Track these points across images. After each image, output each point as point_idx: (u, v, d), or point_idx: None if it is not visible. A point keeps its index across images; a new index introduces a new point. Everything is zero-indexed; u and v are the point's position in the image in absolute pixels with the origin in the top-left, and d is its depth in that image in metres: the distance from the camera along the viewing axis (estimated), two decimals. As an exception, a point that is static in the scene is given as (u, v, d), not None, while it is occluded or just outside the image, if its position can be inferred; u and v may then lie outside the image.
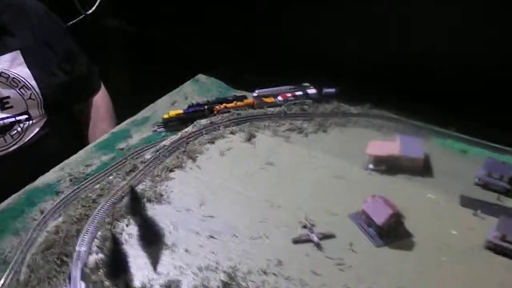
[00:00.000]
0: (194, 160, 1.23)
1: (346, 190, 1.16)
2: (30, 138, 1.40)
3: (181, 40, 1.85)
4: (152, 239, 1.02)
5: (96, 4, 1.81)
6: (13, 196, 1.20)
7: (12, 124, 1.37)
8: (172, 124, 1.41)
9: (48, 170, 1.28)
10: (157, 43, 1.94)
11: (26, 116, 1.39)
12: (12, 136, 1.36)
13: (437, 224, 1.06)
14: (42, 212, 1.14)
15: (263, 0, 1.68)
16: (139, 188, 1.14)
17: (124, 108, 1.74)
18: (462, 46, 1.40)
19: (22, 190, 1.21)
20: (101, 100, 1.67)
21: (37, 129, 1.41)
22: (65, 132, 1.51)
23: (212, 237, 1.03)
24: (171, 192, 1.14)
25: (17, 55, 1.38)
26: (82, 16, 1.82)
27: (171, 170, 1.19)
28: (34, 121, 1.39)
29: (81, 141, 1.61)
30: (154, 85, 1.77)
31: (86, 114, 1.65)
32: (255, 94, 1.51)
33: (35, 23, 1.44)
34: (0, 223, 1.12)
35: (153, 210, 1.09)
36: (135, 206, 1.08)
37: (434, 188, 1.17)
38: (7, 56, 1.36)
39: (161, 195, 1.12)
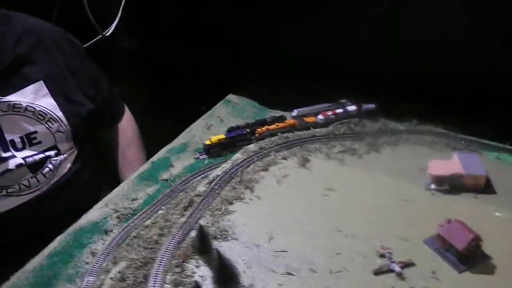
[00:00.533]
0: (252, 190, 1.17)
1: (413, 213, 1.12)
2: (63, 175, 1.32)
3: (202, 59, 1.78)
4: (227, 280, 0.96)
5: (114, 24, 1.73)
6: (59, 238, 1.12)
7: (42, 161, 1.29)
8: (214, 150, 1.34)
9: (86, 205, 1.22)
10: (173, 62, 1.88)
11: (55, 151, 1.31)
12: (44, 175, 1.28)
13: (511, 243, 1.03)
14: (93, 254, 1.07)
15: (289, 15, 1.64)
16: (199, 224, 1.06)
17: (146, 130, 1.67)
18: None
19: (68, 231, 1.14)
20: (126, 124, 1.61)
21: (69, 164, 1.34)
22: (97, 162, 1.43)
23: (289, 273, 0.98)
24: (235, 227, 1.08)
25: (40, 86, 1.29)
26: (99, 37, 1.73)
27: (231, 203, 1.13)
28: (64, 155, 1.32)
29: (113, 169, 1.53)
30: (175, 106, 1.71)
31: (113, 139, 1.57)
32: (294, 114, 1.46)
33: (55, 49, 1.34)
34: (51, 269, 1.05)
35: (221, 248, 1.02)
36: (204, 245, 1.01)
37: (499, 205, 1.13)
38: (30, 88, 1.27)
39: (226, 231, 1.06)
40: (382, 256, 1.01)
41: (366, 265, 0.99)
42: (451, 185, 1.19)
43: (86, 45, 1.69)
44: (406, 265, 0.99)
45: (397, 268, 0.98)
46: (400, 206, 1.14)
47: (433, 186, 1.19)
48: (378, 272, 0.98)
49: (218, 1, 1.73)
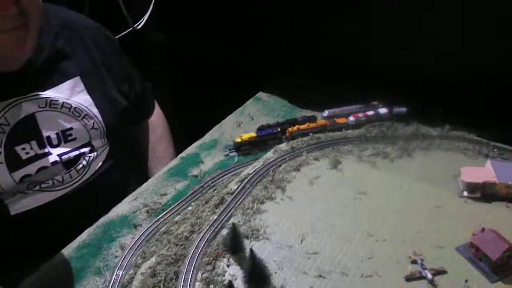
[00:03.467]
0: (283, 190, 1.16)
1: (446, 219, 1.11)
2: (96, 171, 1.32)
3: (234, 53, 1.78)
4: (259, 281, 0.95)
5: (146, 17, 1.73)
6: (88, 230, 1.13)
7: (77, 158, 1.29)
8: (245, 148, 1.33)
9: (117, 200, 1.22)
10: (205, 56, 1.87)
11: (89, 148, 1.31)
12: (78, 171, 1.28)
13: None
14: (122, 248, 1.07)
15: (323, 16, 1.63)
16: (231, 222, 1.07)
17: (176, 125, 1.67)
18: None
19: (97, 224, 1.15)
20: (156, 119, 1.60)
21: (102, 161, 1.34)
22: (127, 158, 1.43)
23: (321, 276, 0.97)
24: (266, 226, 1.07)
25: (77, 82, 1.27)
26: (130, 30, 1.73)
27: (262, 202, 1.13)
28: (98, 152, 1.32)
29: (142, 165, 1.52)
30: (206, 101, 1.70)
31: (143, 135, 1.57)
32: (325, 114, 1.46)
33: (91, 45, 1.33)
34: (79, 261, 1.05)
35: (252, 247, 1.02)
36: (235, 244, 1.00)
37: (533, 215, 1.09)
38: (66, 84, 1.25)
39: (258, 230, 1.06)
40: (414, 262, 1.00)
41: (398, 271, 0.98)
42: (483, 193, 1.17)
43: (117, 37, 1.68)
44: (438, 272, 0.98)
45: (429, 275, 0.97)
46: (433, 212, 1.13)
47: (465, 193, 1.18)
48: (410, 278, 0.98)
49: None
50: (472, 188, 1.18)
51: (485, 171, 1.20)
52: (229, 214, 1.09)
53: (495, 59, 1.39)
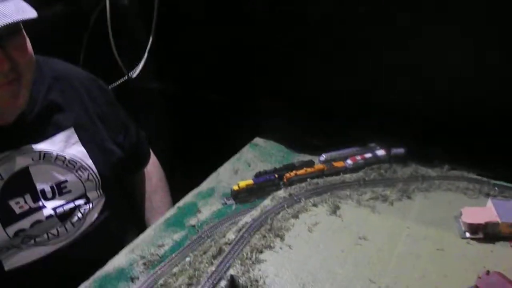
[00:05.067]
0: (282, 238, 1.14)
1: (450, 262, 1.09)
2: (91, 223, 1.30)
3: (230, 101, 1.78)
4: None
5: (141, 66, 1.73)
6: (84, 284, 1.10)
7: (72, 211, 1.27)
8: (242, 196, 1.32)
9: (113, 251, 1.19)
10: (199, 104, 1.87)
11: (84, 200, 1.29)
12: (73, 224, 1.26)
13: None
14: (119, 303, 1.03)
15: (314, 55, 1.63)
16: (230, 273, 1.04)
17: (172, 174, 1.65)
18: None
19: (93, 277, 1.12)
20: (152, 168, 1.59)
21: (97, 212, 1.32)
22: (123, 209, 1.41)
23: (324, 328, 0.92)
24: (266, 277, 1.05)
25: (71, 133, 1.26)
26: (125, 78, 1.73)
27: (261, 251, 1.11)
28: (93, 204, 1.30)
29: (138, 215, 1.50)
30: (202, 148, 1.70)
31: (139, 185, 1.56)
32: (322, 159, 1.45)
33: (85, 97, 1.32)
34: (75, 319, 1.01)
35: (252, 300, 0.98)
36: (235, 296, 0.97)
37: (538, 255, 1.07)
38: (60, 136, 1.24)
39: (257, 281, 1.03)
40: (419, 310, 0.95)
41: (403, 319, 0.93)
42: (486, 234, 1.15)
43: (112, 86, 1.68)
44: (445, 319, 0.94)
45: (435, 323, 0.93)
46: (435, 256, 1.11)
47: (467, 234, 1.16)
48: (416, 327, 0.93)
49: (243, 45, 1.72)
50: (474, 229, 1.16)
51: (486, 211, 1.18)
52: (227, 265, 1.06)
53: (494, 92, 1.38)
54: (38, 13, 1.06)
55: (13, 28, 1.05)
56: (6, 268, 1.18)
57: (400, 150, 1.45)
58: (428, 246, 1.13)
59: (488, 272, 0.99)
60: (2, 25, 0.98)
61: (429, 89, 1.47)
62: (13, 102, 1.12)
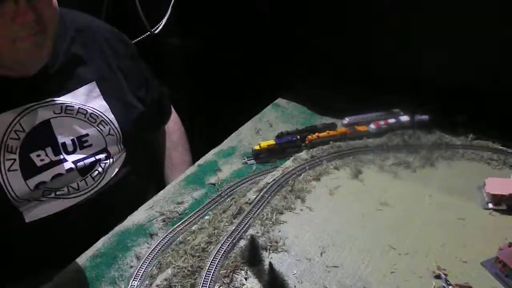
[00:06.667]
0: (303, 200, 1.14)
1: (470, 233, 1.07)
2: (112, 178, 1.30)
3: (254, 59, 1.75)
4: (277, 294, 0.92)
5: (163, 22, 1.71)
6: (103, 239, 1.11)
7: (92, 165, 1.25)
8: (263, 156, 1.31)
9: (133, 208, 1.20)
10: (223, 62, 1.85)
11: (105, 154, 1.28)
12: (93, 178, 1.26)
13: None
14: (138, 257, 1.05)
15: (341, 23, 1.60)
16: (249, 233, 1.04)
17: (193, 131, 1.65)
18: None
19: (112, 232, 1.13)
20: (173, 125, 1.58)
21: (118, 167, 1.32)
22: (143, 164, 1.41)
23: (342, 291, 0.92)
24: (286, 238, 1.05)
25: (93, 87, 1.26)
26: (147, 34, 1.71)
27: (281, 213, 1.10)
28: (114, 158, 1.29)
29: (158, 172, 1.50)
30: (223, 106, 1.68)
31: (159, 141, 1.55)
32: (345, 122, 1.43)
33: (107, 50, 1.32)
34: (94, 270, 1.03)
35: (271, 260, 0.99)
36: (254, 256, 0.98)
37: (561, 228, 1.06)
38: (82, 89, 1.24)
39: (277, 242, 1.03)
40: (437, 277, 0.97)
41: (421, 286, 0.95)
42: (509, 205, 1.14)
43: (134, 41, 1.67)
44: (463, 288, 0.93)
45: (453, 291, 0.92)
46: (457, 225, 1.10)
47: (490, 205, 1.15)
48: (434, 294, 0.92)
49: (271, 5, 1.69)
50: (498, 200, 1.14)
51: (510, 183, 1.17)
52: (247, 225, 1.06)
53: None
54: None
55: None
56: (27, 220, 1.19)
57: (424, 117, 1.43)
58: (449, 215, 1.12)
59: (510, 244, 0.98)
60: None
61: (456, 58, 1.43)
62: (37, 53, 1.12)
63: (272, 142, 1.32)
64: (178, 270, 0.97)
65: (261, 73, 1.76)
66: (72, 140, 1.21)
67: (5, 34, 1.04)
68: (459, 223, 1.10)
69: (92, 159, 1.24)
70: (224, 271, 0.97)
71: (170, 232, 1.10)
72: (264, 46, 1.76)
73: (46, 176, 1.17)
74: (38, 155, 1.17)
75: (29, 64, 1.13)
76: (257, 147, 1.32)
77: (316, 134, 1.34)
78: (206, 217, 1.12)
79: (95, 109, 1.25)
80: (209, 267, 0.97)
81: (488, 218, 1.12)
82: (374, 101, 1.48)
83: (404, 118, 1.42)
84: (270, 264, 0.92)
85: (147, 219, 1.15)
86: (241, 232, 1.04)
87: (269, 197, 1.13)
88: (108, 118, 1.26)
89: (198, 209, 1.16)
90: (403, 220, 1.10)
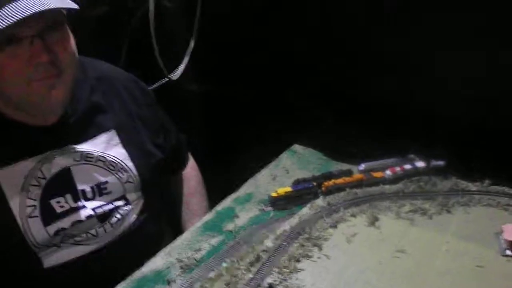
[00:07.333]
0: (320, 248, 1.14)
1: (489, 281, 1.07)
2: (130, 224, 1.31)
3: (270, 104, 1.77)
4: None
5: (182, 67, 1.74)
6: (121, 284, 1.12)
7: (111, 212, 1.26)
8: (280, 203, 1.32)
9: (150, 254, 1.21)
10: (240, 107, 1.87)
11: (124, 201, 1.30)
12: (112, 225, 1.28)
13: None
14: (156, 305, 1.03)
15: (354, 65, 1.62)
16: (267, 281, 1.04)
17: (210, 178, 1.66)
18: None
19: (130, 278, 1.13)
20: (190, 171, 1.60)
21: (136, 214, 1.33)
22: (161, 211, 1.42)
23: None
24: (303, 286, 1.05)
25: (112, 135, 1.27)
26: (165, 80, 1.74)
27: (298, 260, 1.10)
28: (132, 205, 1.31)
29: (176, 218, 1.51)
30: (240, 153, 1.69)
31: (177, 188, 1.57)
32: (361, 168, 1.43)
33: (127, 98, 1.34)
34: (112, 318, 1.02)
35: (290, 309, 0.99)
36: (272, 305, 0.98)
37: None
38: (102, 137, 1.25)
39: (295, 290, 1.02)
40: (457, 327, 0.95)
41: (440, 336, 0.92)
42: (527, 252, 1.11)
43: (152, 87, 1.70)
44: None
45: None
46: (475, 273, 1.09)
47: (508, 252, 1.14)
48: None
49: (285, 47, 1.72)
50: (516, 247, 1.11)
51: (528, 229, 1.14)
52: (265, 273, 1.06)
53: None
54: (83, 14, 1.07)
55: (55, 21, 1.08)
56: (45, 265, 1.20)
57: (440, 163, 1.44)
58: (467, 262, 1.12)
59: (529, 293, 0.97)
60: (40, 10, 0.99)
61: (471, 100, 1.44)
62: (51, 96, 1.12)
63: (289, 189, 1.33)
64: (197, 319, 0.97)
65: (276, 119, 1.77)
66: (92, 188, 1.23)
67: (21, 75, 1.07)
68: (477, 270, 1.09)
69: (111, 206, 1.26)
70: (244, 319, 0.96)
71: (188, 279, 1.10)
72: (281, 91, 1.77)
73: (65, 222, 1.19)
74: (58, 202, 1.19)
75: (44, 108, 1.15)
76: (274, 194, 1.32)
77: (333, 180, 1.35)
78: (224, 265, 1.12)
79: (115, 157, 1.27)
80: (227, 315, 0.96)
81: (507, 265, 1.11)
82: (389, 147, 1.48)
83: (420, 164, 1.42)
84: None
85: (165, 266, 1.16)
86: (259, 280, 1.05)
87: (287, 245, 1.13)
88: (127, 166, 1.28)
89: (215, 256, 1.16)
90: (421, 268, 1.10)
